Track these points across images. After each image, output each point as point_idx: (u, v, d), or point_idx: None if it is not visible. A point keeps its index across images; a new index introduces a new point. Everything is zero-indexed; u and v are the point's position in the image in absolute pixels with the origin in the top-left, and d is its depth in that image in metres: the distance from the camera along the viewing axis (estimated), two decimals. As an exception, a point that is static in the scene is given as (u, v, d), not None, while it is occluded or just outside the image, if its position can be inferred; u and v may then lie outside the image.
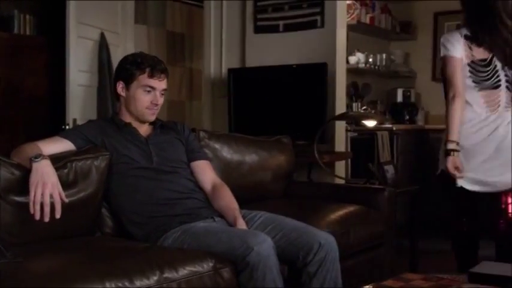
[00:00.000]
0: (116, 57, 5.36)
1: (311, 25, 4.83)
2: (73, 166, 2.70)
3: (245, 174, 3.63)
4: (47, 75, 5.62)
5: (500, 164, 3.45)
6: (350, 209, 3.46)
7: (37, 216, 2.29)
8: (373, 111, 6.31)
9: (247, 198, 3.37)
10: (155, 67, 2.88)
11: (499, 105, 3.45)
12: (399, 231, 4.31)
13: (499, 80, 3.42)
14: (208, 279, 2.37)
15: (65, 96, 4.94)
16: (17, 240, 2.43)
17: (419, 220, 4.48)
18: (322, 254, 2.61)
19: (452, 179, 3.50)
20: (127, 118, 2.94)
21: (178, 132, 3.09)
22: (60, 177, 2.50)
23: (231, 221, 2.76)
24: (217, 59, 5.44)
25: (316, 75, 4.60)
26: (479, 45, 3.41)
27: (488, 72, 3.42)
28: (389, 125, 5.86)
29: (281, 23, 4.98)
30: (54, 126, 5.10)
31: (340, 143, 4.87)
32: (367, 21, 6.34)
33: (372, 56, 6.43)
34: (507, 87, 3.44)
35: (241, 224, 2.72)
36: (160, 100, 2.93)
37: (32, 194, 2.32)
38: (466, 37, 3.43)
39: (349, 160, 5.19)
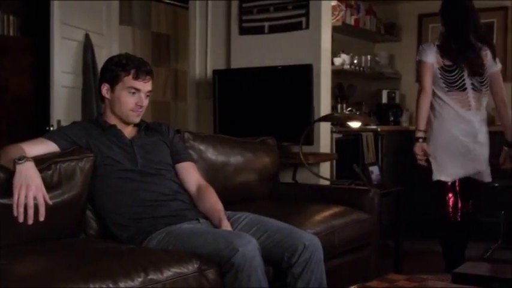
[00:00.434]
0: (101, 59, 5.34)
1: (296, 26, 4.84)
2: (57, 168, 2.69)
3: (230, 176, 3.63)
4: (31, 77, 5.59)
5: (474, 156, 4.20)
6: (335, 210, 3.48)
7: (21, 219, 2.28)
8: (358, 113, 6.33)
9: (232, 199, 3.38)
10: (140, 68, 2.87)
11: (470, 105, 4.15)
12: (384, 232, 4.33)
13: (465, 84, 4.13)
14: (193, 281, 2.37)
15: (49, 98, 4.92)
16: (1, 243, 2.41)
17: (404, 221, 4.50)
18: (307, 255, 2.61)
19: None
20: (112, 120, 2.93)
21: (163, 134, 3.08)
22: (44, 179, 2.49)
23: (216, 222, 2.75)
24: (202, 60, 5.43)
25: (301, 77, 4.61)
26: (448, 55, 4.15)
27: (455, 76, 4.13)
28: (374, 126, 5.88)
29: (266, 24, 4.98)
30: (39, 128, 5.07)
31: (325, 144, 4.88)
32: (352, 22, 6.36)
33: (356, 57, 6.45)
34: (473, 89, 4.15)
35: (226, 225, 2.71)
36: (145, 102, 2.92)
37: (15, 196, 2.31)
38: (438, 47, 4.18)
39: (334, 161, 5.20)
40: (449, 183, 4.28)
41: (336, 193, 3.88)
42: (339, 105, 6.18)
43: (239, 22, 5.12)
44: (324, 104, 4.78)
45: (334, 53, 5.98)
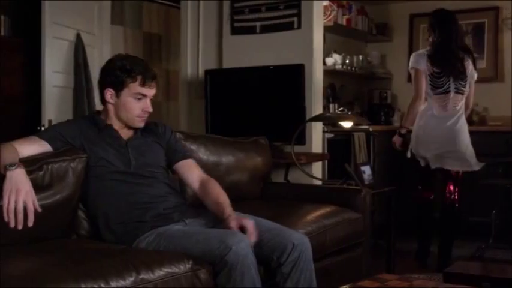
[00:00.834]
0: (92, 58, 5.34)
1: (288, 26, 4.84)
2: (49, 168, 2.68)
3: (222, 176, 3.63)
4: (23, 76, 5.57)
5: (448, 150, 4.66)
6: (327, 209, 3.48)
7: (12, 224, 2.29)
8: (349, 113, 6.33)
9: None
10: (146, 75, 2.82)
11: (447, 106, 4.64)
12: (376, 231, 4.34)
13: (449, 87, 4.61)
14: (185, 280, 2.37)
15: (40, 98, 4.90)
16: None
17: (396, 221, 4.51)
18: (295, 254, 2.61)
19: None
20: (112, 121, 2.89)
21: (159, 135, 3.04)
22: (35, 180, 2.49)
23: (221, 216, 2.73)
24: (194, 60, 5.43)
25: (293, 77, 4.61)
26: (437, 63, 4.60)
27: (442, 82, 4.61)
28: (366, 126, 5.88)
29: (258, 24, 4.98)
30: (30, 127, 5.05)
31: (317, 144, 4.88)
32: (344, 22, 6.37)
33: (348, 57, 6.47)
34: (456, 92, 4.63)
35: (232, 222, 2.66)
36: (151, 107, 2.88)
37: (5, 201, 2.31)
38: (428, 56, 4.64)
39: (326, 161, 5.21)
40: (429, 169, 4.75)
41: (328, 193, 3.88)
42: (331, 105, 6.19)
43: (231, 22, 5.12)
44: (316, 103, 4.79)
45: (326, 53, 6.00)
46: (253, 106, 4.73)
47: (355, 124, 5.07)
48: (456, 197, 4.78)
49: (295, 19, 4.81)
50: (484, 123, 6.33)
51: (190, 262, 2.41)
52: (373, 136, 5.91)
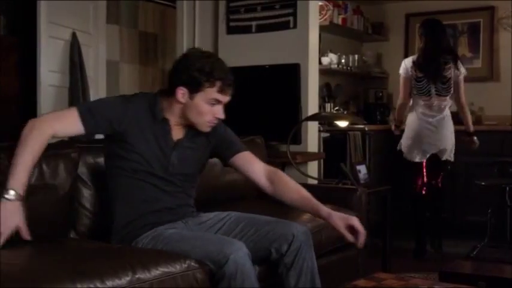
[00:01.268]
0: (88, 58, 5.33)
1: (284, 26, 4.84)
2: (41, 161, 2.65)
3: (218, 175, 3.62)
4: (18, 76, 5.57)
5: (433, 144, 5.20)
6: (323, 209, 3.47)
7: None
8: (345, 112, 6.34)
9: (221, 199, 3.37)
10: (226, 81, 2.66)
11: (432, 106, 5.15)
12: (372, 231, 4.34)
13: (430, 90, 5.11)
14: (181, 280, 2.36)
15: (36, 97, 4.90)
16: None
17: (392, 220, 4.52)
18: (297, 243, 2.59)
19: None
20: (172, 117, 2.71)
21: (209, 134, 2.82)
22: None
23: (315, 213, 2.73)
24: (190, 59, 5.42)
25: (288, 76, 4.61)
26: (420, 68, 5.12)
27: (423, 85, 5.14)
28: (362, 126, 5.88)
29: (254, 23, 4.98)
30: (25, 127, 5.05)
31: (313, 144, 4.89)
32: (340, 22, 6.37)
33: (344, 56, 6.47)
34: (437, 95, 5.12)
35: (338, 220, 2.64)
36: (223, 113, 2.72)
37: None
38: (413, 63, 5.17)
39: (322, 160, 5.21)
40: (417, 163, 5.29)
41: (324, 192, 3.86)
42: (327, 105, 6.19)
43: (226, 21, 5.12)
44: (312, 103, 4.79)
45: (322, 53, 6.00)
46: (249, 105, 4.72)
47: (351, 123, 5.08)
48: (439, 180, 5.36)
49: (290, 18, 4.81)
50: (479, 122, 6.34)
51: (187, 262, 2.41)
52: (369, 135, 5.92)
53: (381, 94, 7.07)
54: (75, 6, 5.25)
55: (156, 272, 2.29)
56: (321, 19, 5.57)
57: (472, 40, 6.74)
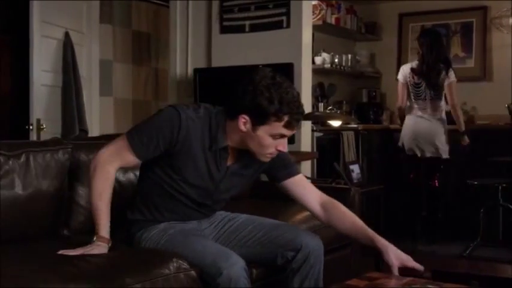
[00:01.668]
0: (81, 57, 5.31)
1: (277, 25, 4.84)
2: (30, 157, 2.65)
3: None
4: (11, 75, 5.55)
5: (429, 144, 5.58)
6: (316, 208, 3.47)
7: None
8: (338, 111, 6.35)
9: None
10: (294, 117, 2.41)
11: (427, 109, 5.57)
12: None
13: (426, 95, 5.55)
14: (174, 281, 2.36)
15: (28, 96, 4.88)
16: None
17: (384, 219, 4.52)
18: (305, 252, 2.58)
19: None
20: (231, 142, 2.51)
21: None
22: (15, 169, 2.51)
23: (369, 244, 2.60)
24: (183, 58, 5.42)
25: (282, 75, 4.60)
26: (418, 75, 5.55)
27: (420, 90, 5.56)
28: (355, 125, 5.90)
29: (247, 23, 4.98)
30: (18, 126, 5.04)
31: (306, 143, 4.89)
32: (333, 21, 6.38)
33: (337, 56, 6.48)
34: (431, 99, 5.54)
35: (393, 258, 2.52)
36: (287, 147, 2.53)
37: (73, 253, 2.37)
38: (411, 69, 5.60)
39: (315, 160, 5.21)
40: (415, 158, 5.65)
41: (317, 192, 3.87)
42: (320, 104, 6.19)
43: (220, 21, 5.11)
44: (305, 102, 4.72)
45: (315, 52, 6.00)
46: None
47: (344, 123, 5.09)
48: (436, 179, 5.71)
49: (284, 18, 4.81)
50: (472, 122, 6.35)
51: (179, 262, 2.40)
52: (362, 135, 5.93)
53: (374, 94, 7.08)
54: (68, 5, 5.23)
55: (149, 273, 2.29)
56: (314, 19, 5.57)
57: (465, 40, 6.75)
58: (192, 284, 2.41)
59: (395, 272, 2.49)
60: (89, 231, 2.78)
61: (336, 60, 6.44)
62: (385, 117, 6.94)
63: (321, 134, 5.46)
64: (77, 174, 2.90)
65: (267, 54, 4.79)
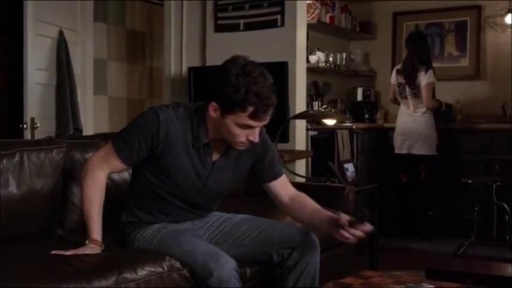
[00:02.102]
0: (75, 56, 5.30)
1: (271, 24, 4.84)
2: (24, 156, 2.65)
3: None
4: (5, 74, 5.53)
5: (413, 140, 5.84)
6: (310, 207, 3.47)
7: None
8: (333, 110, 6.35)
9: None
10: (261, 108, 2.36)
11: (410, 107, 5.90)
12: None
13: (406, 94, 5.89)
14: (168, 280, 2.36)
15: (22, 95, 4.87)
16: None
17: (379, 218, 4.53)
18: (300, 250, 2.59)
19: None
20: (211, 132, 2.49)
21: (253, 151, 2.64)
22: (9, 168, 2.50)
23: (329, 223, 2.54)
24: (178, 57, 5.42)
25: (276, 74, 4.53)
26: (400, 75, 5.91)
27: (402, 89, 5.92)
28: (349, 124, 5.90)
29: (241, 21, 4.98)
30: (12, 125, 5.03)
31: (301, 142, 4.89)
32: (327, 20, 6.38)
33: (332, 55, 6.48)
34: (411, 98, 5.85)
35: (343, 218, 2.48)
36: (258, 137, 2.48)
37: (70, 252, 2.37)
38: (396, 70, 6.02)
39: (310, 158, 5.22)
40: (403, 157, 5.92)
41: (312, 190, 3.83)
42: (314, 103, 6.20)
43: (214, 19, 5.11)
44: (299, 101, 4.79)
45: (310, 51, 6.00)
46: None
47: (339, 122, 5.09)
48: (424, 175, 5.88)
49: (278, 17, 4.81)
50: (466, 120, 6.36)
51: (173, 261, 2.40)
52: (357, 134, 5.93)
53: (368, 92, 7.09)
54: (62, 4, 5.22)
55: (143, 271, 2.29)
56: (308, 17, 5.57)
57: (459, 39, 6.76)
58: (185, 283, 2.41)
59: (344, 221, 2.46)
60: (83, 231, 2.78)
61: (331, 59, 6.44)
62: (380, 115, 6.95)
63: (316, 132, 5.46)
64: (71, 173, 2.89)
65: (262, 53, 4.75)
